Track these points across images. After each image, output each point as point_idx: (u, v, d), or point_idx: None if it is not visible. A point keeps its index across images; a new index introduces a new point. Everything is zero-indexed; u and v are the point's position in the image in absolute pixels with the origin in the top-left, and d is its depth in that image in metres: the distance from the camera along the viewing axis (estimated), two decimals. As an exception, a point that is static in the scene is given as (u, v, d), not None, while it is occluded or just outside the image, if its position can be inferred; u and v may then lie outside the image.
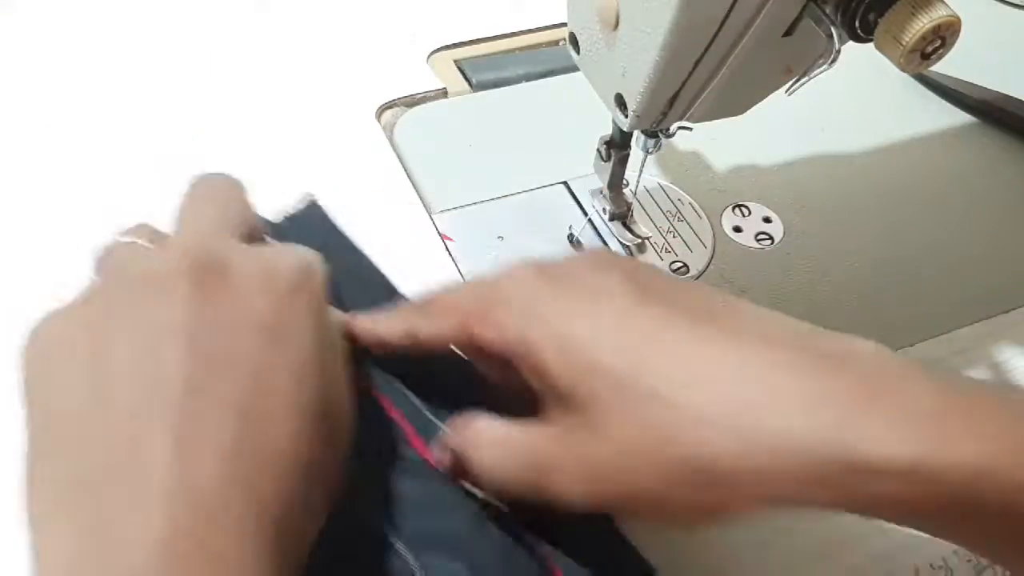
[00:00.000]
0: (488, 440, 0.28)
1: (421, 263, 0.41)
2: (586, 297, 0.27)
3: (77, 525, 0.22)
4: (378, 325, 0.30)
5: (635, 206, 0.42)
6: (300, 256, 0.27)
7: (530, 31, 0.56)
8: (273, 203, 0.43)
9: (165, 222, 0.30)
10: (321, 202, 0.38)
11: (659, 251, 0.43)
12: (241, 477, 0.23)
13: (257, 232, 0.30)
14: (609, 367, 0.25)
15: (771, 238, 0.44)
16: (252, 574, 0.22)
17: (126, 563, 0.21)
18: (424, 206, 0.44)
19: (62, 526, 0.23)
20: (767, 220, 0.45)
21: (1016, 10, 0.62)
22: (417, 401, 0.31)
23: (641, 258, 0.41)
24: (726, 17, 0.28)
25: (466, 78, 0.53)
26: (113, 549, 0.21)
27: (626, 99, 0.33)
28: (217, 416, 0.23)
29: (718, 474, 0.23)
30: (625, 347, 0.25)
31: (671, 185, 0.46)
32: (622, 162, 0.40)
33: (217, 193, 0.31)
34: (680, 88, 0.31)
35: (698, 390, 0.24)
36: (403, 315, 0.31)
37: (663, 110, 0.33)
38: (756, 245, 0.44)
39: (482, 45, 0.55)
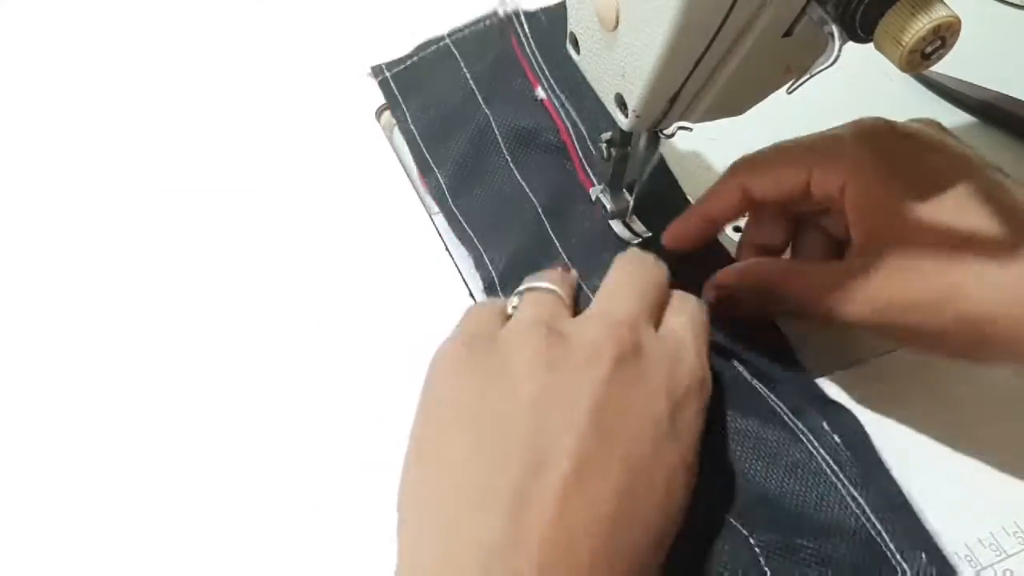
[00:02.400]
0: (787, 266, 0.35)
1: (420, 263, 0.41)
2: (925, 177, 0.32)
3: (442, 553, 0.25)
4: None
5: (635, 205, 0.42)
6: (699, 365, 0.30)
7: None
8: (273, 203, 0.43)
9: (165, 222, 0.30)
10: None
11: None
12: (609, 552, 0.25)
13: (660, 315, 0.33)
14: (916, 223, 0.31)
15: (771, 238, 0.44)
16: None
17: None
18: (423, 206, 0.44)
19: (425, 548, 0.26)
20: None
21: (1016, 10, 0.62)
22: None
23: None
24: (726, 17, 0.28)
25: (466, 78, 0.52)
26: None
27: (626, 99, 0.33)
28: (598, 491, 0.26)
29: (989, 332, 0.29)
30: (935, 209, 0.31)
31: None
32: (622, 161, 0.39)
33: (642, 275, 0.33)
34: (680, 88, 0.31)
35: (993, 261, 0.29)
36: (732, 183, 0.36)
37: (663, 110, 0.33)
38: (756, 245, 0.44)
39: (482, 45, 0.55)
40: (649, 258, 0.34)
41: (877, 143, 0.34)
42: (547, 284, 0.32)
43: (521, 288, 0.33)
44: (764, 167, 0.36)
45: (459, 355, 0.30)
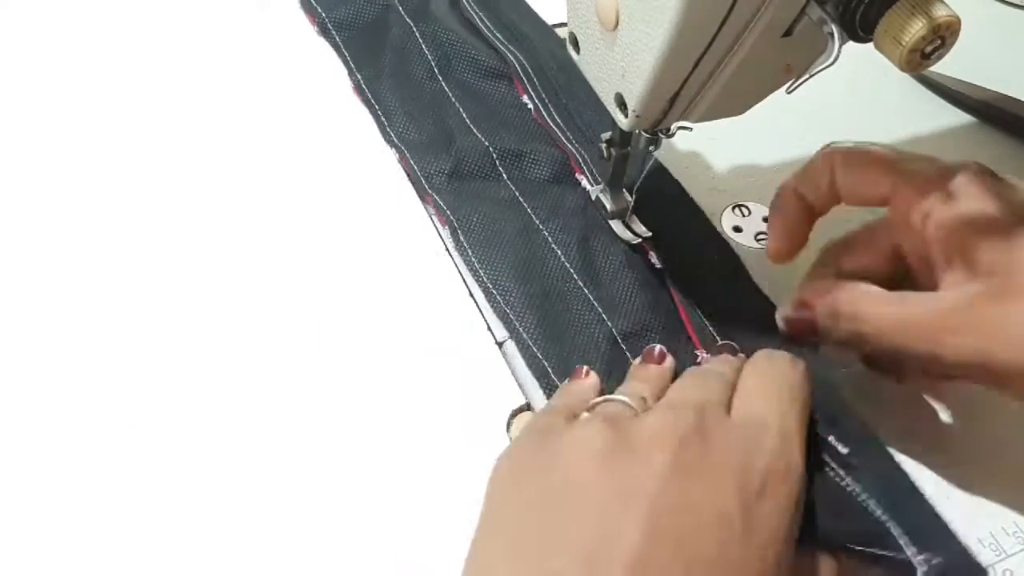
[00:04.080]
0: (878, 299, 0.30)
1: (421, 263, 0.41)
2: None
3: None
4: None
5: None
6: (783, 451, 0.27)
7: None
8: (273, 203, 0.43)
9: (166, 222, 0.30)
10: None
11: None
12: None
13: None
14: None
15: (771, 238, 0.44)
16: None
17: None
18: (423, 208, 0.44)
19: None
20: (767, 220, 0.45)
21: (1016, 10, 0.62)
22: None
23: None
24: (726, 17, 0.28)
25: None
26: None
27: (626, 99, 0.33)
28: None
29: None
30: None
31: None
32: (622, 161, 0.39)
33: (717, 371, 0.31)
34: (680, 88, 0.31)
35: None
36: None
37: (663, 110, 0.33)
38: (756, 245, 0.44)
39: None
40: (717, 362, 0.33)
41: (969, 174, 0.31)
42: (617, 397, 0.30)
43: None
44: (855, 160, 0.33)
45: (511, 466, 0.28)
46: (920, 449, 0.35)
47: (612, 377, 0.35)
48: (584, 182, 0.44)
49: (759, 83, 0.33)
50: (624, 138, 0.38)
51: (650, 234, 0.41)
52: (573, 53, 0.36)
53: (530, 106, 0.48)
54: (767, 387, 0.29)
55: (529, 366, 0.37)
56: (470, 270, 0.41)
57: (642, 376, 0.33)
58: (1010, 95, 0.51)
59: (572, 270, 0.40)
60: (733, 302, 0.39)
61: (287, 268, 0.40)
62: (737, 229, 0.44)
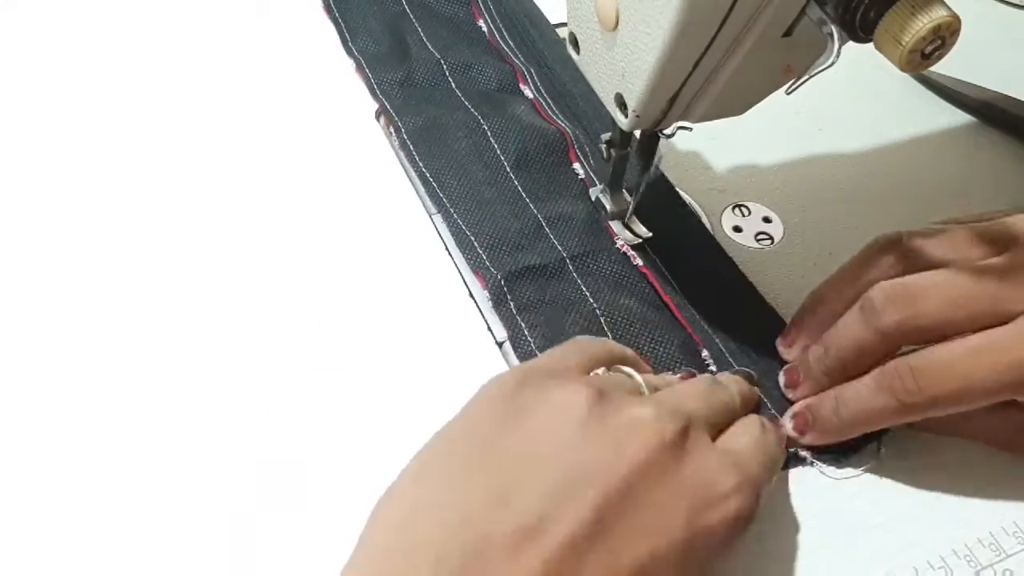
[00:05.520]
0: (968, 347, 0.29)
1: (420, 264, 0.41)
2: None
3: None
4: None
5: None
6: (744, 504, 0.27)
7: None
8: (273, 203, 0.43)
9: (166, 222, 0.30)
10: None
11: (659, 251, 0.43)
12: None
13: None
14: None
15: (771, 238, 0.44)
16: None
17: None
18: (423, 207, 0.44)
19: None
20: (767, 220, 0.45)
21: (1016, 10, 0.62)
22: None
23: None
24: (726, 17, 0.28)
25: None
26: None
27: (626, 99, 0.33)
28: (596, 570, 0.24)
29: None
30: None
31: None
32: (622, 162, 0.40)
33: (726, 385, 0.32)
34: (680, 88, 0.31)
35: None
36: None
37: (663, 110, 0.33)
38: (756, 245, 0.44)
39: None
40: (741, 381, 0.33)
41: None
42: (632, 372, 0.30)
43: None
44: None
45: (501, 388, 0.28)
46: (920, 448, 0.35)
47: (535, 251, 0.40)
48: (527, 91, 0.49)
49: (759, 83, 0.33)
50: (624, 138, 0.38)
51: (650, 234, 0.41)
52: (573, 53, 0.36)
53: (484, 29, 0.53)
54: (756, 448, 0.29)
55: (458, 244, 0.41)
56: (412, 165, 0.44)
57: (641, 369, 0.33)
58: (1010, 95, 0.51)
59: (504, 160, 0.44)
60: (729, 303, 0.40)
61: (288, 268, 0.40)
62: (737, 229, 0.44)
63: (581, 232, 0.41)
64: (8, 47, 0.50)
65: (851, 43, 0.28)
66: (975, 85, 0.52)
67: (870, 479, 0.34)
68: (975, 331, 0.29)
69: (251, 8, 0.55)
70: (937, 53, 0.26)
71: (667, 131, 0.36)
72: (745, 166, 0.48)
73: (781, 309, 0.40)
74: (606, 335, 0.37)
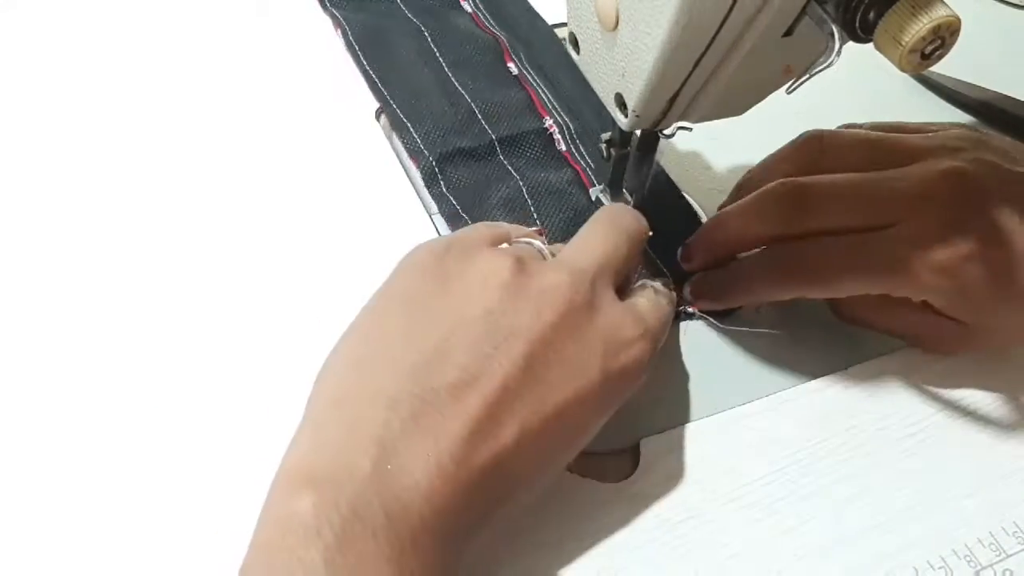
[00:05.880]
0: (846, 242, 0.35)
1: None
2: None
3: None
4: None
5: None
6: (643, 352, 0.31)
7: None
8: (273, 203, 0.43)
9: (166, 222, 0.30)
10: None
11: (659, 251, 0.43)
12: (495, 481, 0.27)
13: (629, 279, 0.35)
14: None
15: (771, 238, 0.44)
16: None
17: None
18: (423, 207, 0.44)
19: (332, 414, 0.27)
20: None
21: (1016, 10, 0.62)
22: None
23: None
24: (726, 17, 0.28)
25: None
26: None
27: (626, 99, 0.33)
28: (509, 426, 0.27)
29: None
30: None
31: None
32: (622, 162, 0.39)
33: (617, 232, 0.34)
34: (680, 88, 0.31)
35: None
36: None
37: (663, 110, 0.33)
38: (756, 245, 0.44)
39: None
40: (628, 213, 0.35)
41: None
42: (532, 240, 0.33)
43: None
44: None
45: (429, 256, 0.31)
46: (920, 447, 0.35)
47: (467, 136, 0.45)
48: (466, 5, 0.54)
49: (759, 83, 0.33)
50: (624, 138, 0.38)
51: (651, 234, 0.41)
52: (573, 53, 0.36)
53: None
54: (653, 306, 0.33)
55: (397, 133, 0.46)
56: (357, 64, 0.49)
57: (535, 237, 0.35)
58: (1010, 95, 0.51)
59: (442, 60, 0.49)
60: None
61: (288, 268, 0.41)
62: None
63: (511, 117, 0.47)
64: (8, 47, 0.50)
65: (851, 43, 0.28)
66: (975, 85, 0.52)
67: (870, 478, 0.34)
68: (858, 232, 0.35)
69: (251, 8, 0.55)
70: (937, 53, 0.26)
71: (667, 131, 0.36)
72: (745, 166, 0.48)
73: (782, 310, 0.40)
74: (528, 205, 0.42)
